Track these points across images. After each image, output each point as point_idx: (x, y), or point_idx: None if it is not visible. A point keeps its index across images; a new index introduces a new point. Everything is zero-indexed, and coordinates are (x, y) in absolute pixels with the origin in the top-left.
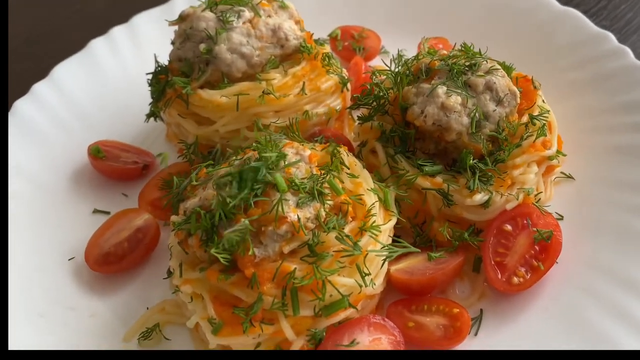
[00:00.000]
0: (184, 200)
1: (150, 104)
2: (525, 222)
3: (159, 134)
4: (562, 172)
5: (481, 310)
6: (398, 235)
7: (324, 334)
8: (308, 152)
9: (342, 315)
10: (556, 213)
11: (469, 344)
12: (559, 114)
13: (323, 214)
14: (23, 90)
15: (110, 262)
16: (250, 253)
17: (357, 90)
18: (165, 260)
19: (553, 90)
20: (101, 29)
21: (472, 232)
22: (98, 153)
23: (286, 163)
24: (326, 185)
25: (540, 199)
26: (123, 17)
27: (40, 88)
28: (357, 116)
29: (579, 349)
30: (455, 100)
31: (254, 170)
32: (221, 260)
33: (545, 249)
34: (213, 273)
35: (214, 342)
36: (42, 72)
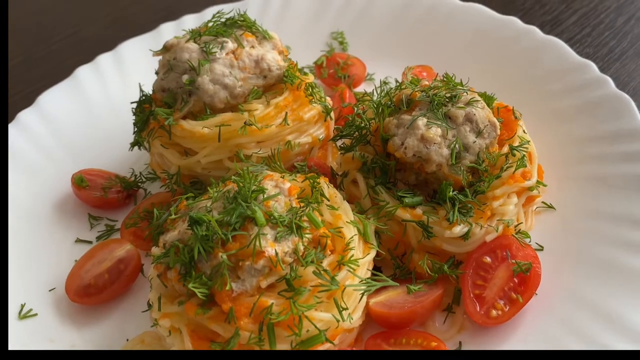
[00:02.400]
0: (164, 233)
1: (134, 132)
2: (504, 254)
3: (143, 162)
4: (543, 202)
5: (460, 343)
6: (378, 267)
7: None
8: (288, 184)
9: (319, 349)
10: (536, 244)
11: None
12: (542, 142)
13: (301, 247)
14: (11, 115)
15: (90, 293)
16: (227, 288)
17: (341, 122)
18: (146, 291)
19: (536, 119)
20: (95, 54)
21: (451, 264)
22: (81, 182)
23: (265, 196)
24: (305, 218)
25: (520, 229)
26: (120, 42)
27: (25, 116)
28: (340, 146)
29: None
30: (435, 132)
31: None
32: (199, 294)
33: (524, 281)
34: (191, 307)
35: None
36: (31, 96)
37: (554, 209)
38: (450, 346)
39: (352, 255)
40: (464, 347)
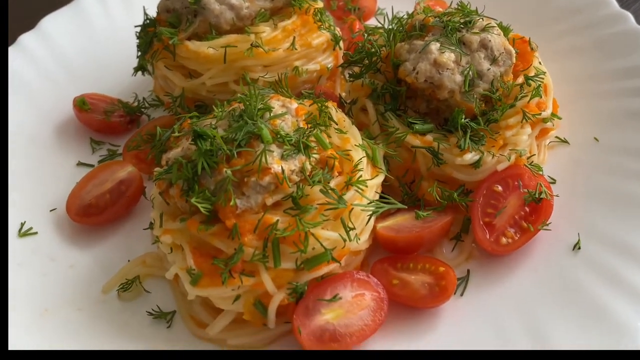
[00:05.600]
0: (166, 151)
1: (138, 56)
2: (516, 183)
3: (146, 87)
4: (557, 137)
5: (468, 270)
6: (386, 194)
7: (306, 287)
8: (295, 105)
9: (324, 269)
10: (549, 177)
11: (454, 304)
12: (557, 78)
13: (308, 167)
14: (11, 40)
15: (91, 213)
16: (232, 204)
17: (351, 51)
18: (148, 214)
19: (551, 54)
20: None
21: (461, 193)
22: (83, 105)
23: (272, 115)
24: (313, 139)
25: (532, 161)
26: None
27: (27, 39)
28: (349, 74)
29: (566, 313)
30: (449, 57)
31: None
32: (202, 210)
33: (535, 210)
34: (193, 223)
35: (192, 293)
36: (30, 23)
37: (568, 143)
38: (458, 274)
39: (360, 177)
40: (472, 276)
